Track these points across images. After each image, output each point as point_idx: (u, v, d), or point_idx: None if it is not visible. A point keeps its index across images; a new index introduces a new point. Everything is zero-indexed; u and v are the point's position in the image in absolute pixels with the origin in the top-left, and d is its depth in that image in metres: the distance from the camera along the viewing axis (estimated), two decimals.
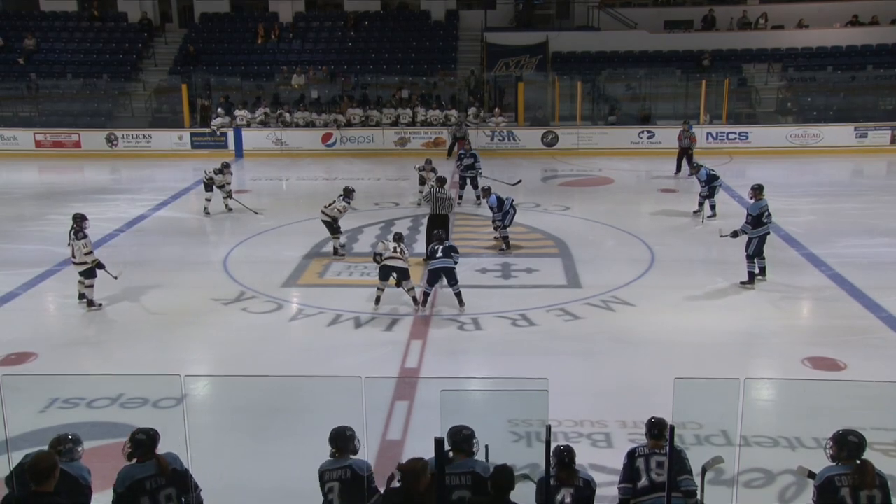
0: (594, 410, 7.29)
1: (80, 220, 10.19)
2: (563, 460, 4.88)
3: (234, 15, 27.52)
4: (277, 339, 9.48)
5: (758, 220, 10.59)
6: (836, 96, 22.88)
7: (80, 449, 5.06)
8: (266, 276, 11.39)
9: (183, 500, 4.88)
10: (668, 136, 21.06)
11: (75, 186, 18.75)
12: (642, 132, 21.42)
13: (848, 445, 4.72)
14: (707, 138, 20.96)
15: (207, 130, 21.91)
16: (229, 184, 15.16)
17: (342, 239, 12.35)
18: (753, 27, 25.59)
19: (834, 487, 4.64)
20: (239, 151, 21.68)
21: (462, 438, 4.87)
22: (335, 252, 12.24)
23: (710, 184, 14.07)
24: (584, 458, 6.43)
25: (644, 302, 10.29)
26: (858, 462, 4.68)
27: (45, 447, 4.91)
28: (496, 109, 22.36)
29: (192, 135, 22.01)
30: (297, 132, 22.01)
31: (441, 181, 12.56)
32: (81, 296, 10.31)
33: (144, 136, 22.20)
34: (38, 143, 22.21)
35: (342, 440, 5.01)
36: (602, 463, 6.43)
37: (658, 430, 5.11)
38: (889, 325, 9.37)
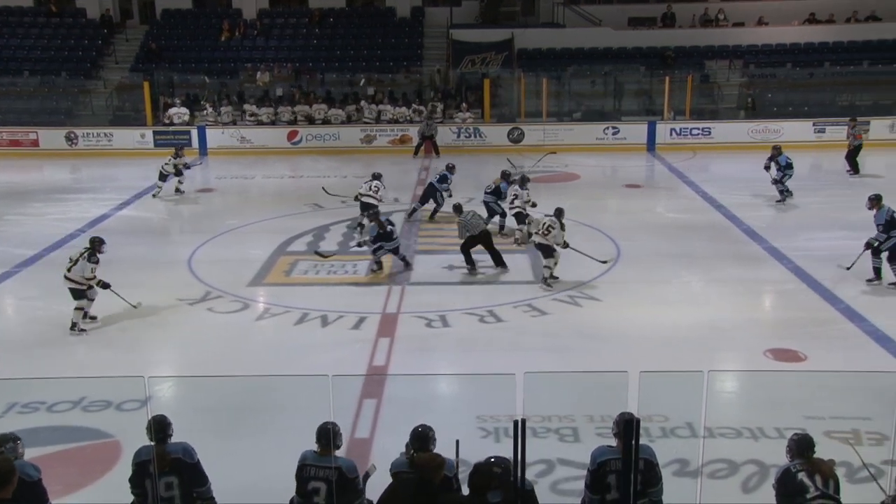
0: (561, 405, 7.33)
1: (98, 243, 9.55)
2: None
3: (197, 11, 27.10)
4: (244, 338, 9.38)
5: (890, 225, 10.30)
6: (796, 92, 23.27)
7: (20, 444, 4.99)
8: (232, 276, 11.26)
9: (194, 493, 4.97)
10: (632, 132, 21.27)
11: (35, 186, 18.33)
12: (607, 128, 21.57)
13: (797, 444, 4.89)
14: (671, 134, 21.22)
15: (166, 122, 21.66)
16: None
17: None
18: (715, 24, 25.93)
19: (791, 474, 4.82)
20: (203, 149, 21.41)
21: (424, 438, 4.99)
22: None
23: (787, 170, 14.85)
24: (552, 452, 6.51)
25: (610, 297, 10.38)
26: (812, 458, 4.86)
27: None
28: (463, 105, 22.37)
29: (155, 133, 21.65)
30: (262, 130, 21.80)
31: (457, 209, 11.88)
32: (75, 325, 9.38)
33: (105, 135, 21.77)
34: None
35: (326, 437, 4.97)
36: (570, 458, 6.48)
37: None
38: (847, 317, 9.57)
